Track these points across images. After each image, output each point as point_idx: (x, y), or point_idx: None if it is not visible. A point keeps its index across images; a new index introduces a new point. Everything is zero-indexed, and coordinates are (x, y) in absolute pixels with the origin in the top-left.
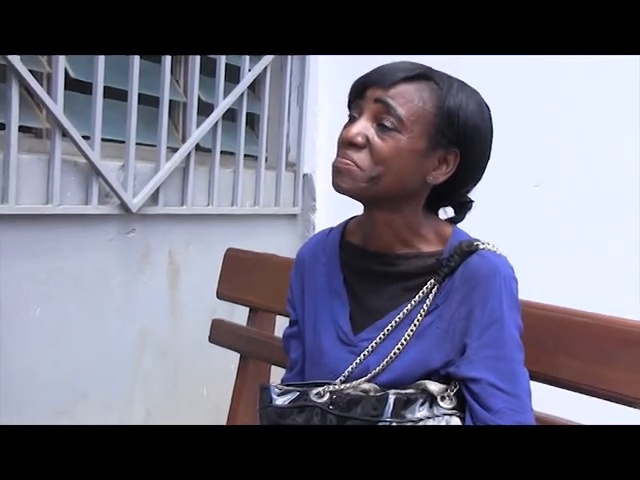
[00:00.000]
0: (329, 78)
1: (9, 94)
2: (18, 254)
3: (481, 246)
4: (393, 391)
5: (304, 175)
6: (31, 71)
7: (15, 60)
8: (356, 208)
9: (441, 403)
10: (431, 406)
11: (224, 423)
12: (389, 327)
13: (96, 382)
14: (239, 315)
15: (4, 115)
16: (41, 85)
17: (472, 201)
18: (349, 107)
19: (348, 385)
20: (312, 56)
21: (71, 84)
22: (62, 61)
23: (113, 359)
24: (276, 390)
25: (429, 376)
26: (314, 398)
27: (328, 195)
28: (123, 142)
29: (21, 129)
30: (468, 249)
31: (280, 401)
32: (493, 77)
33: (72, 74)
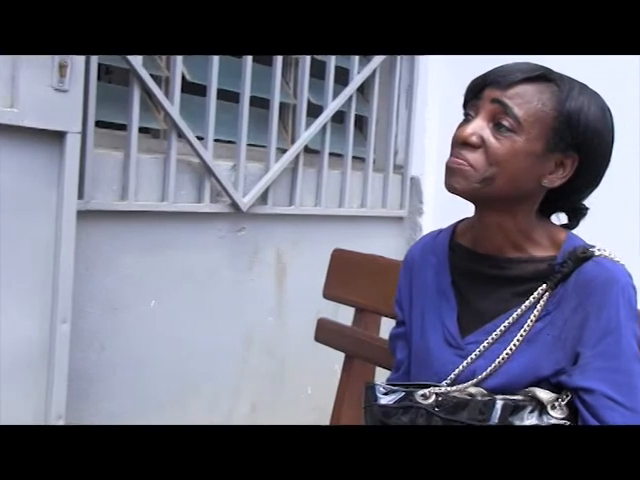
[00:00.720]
0: (439, 80)
1: (131, 97)
2: (137, 249)
3: (597, 253)
4: (501, 396)
5: (412, 178)
6: (151, 75)
7: (137, 65)
8: (464, 212)
9: (551, 412)
10: (540, 414)
11: (327, 422)
12: (498, 331)
13: (205, 376)
14: (343, 315)
15: (126, 117)
16: (160, 88)
17: (587, 208)
18: (464, 107)
19: (454, 388)
20: (422, 58)
21: (187, 87)
22: (179, 65)
23: (221, 354)
24: (381, 389)
25: (538, 383)
26: (419, 399)
27: (436, 198)
28: (235, 143)
29: (140, 130)
30: (583, 255)
31: (385, 400)
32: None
33: (188, 77)
